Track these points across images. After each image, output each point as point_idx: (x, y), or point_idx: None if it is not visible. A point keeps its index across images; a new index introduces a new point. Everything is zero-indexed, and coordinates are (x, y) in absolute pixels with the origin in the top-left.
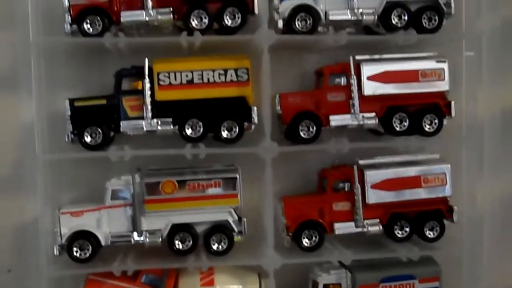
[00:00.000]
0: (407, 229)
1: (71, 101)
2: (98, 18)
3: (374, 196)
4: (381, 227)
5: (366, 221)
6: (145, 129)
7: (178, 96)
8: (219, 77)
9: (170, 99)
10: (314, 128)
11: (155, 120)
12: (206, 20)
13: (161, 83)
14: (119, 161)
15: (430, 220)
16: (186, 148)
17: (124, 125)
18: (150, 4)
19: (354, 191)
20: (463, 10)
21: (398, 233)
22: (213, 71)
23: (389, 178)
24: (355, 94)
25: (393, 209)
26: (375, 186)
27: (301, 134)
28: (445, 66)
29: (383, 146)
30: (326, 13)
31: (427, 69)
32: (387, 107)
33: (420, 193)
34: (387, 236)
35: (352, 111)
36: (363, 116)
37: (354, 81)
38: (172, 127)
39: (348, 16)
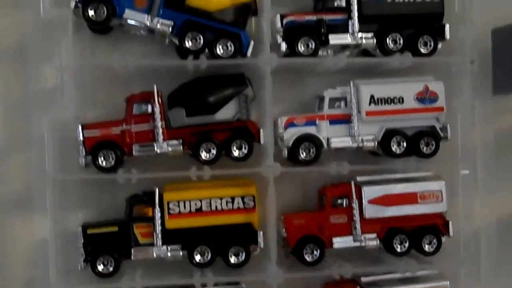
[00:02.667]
0: None
1: (84, 229)
2: (112, 152)
3: None
4: None
5: None
6: (155, 256)
7: (187, 224)
8: (227, 205)
9: (180, 227)
10: (318, 251)
11: (164, 247)
12: (214, 151)
13: (171, 211)
14: None
15: None
16: (194, 277)
17: (134, 252)
18: (161, 137)
19: None
20: (458, 133)
21: None
22: (221, 199)
23: None
24: (356, 217)
25: None
26: None
27: (306, 257)
28: (442, 187)
29: (385, 269)
30: (328, 140)
31: (426, 191)
32: (387, 229)
33: None
34: None
35: (354, 233)
36: (364, 238)
37: (355, 204)
38: (181, 253)
39: (349, 143)
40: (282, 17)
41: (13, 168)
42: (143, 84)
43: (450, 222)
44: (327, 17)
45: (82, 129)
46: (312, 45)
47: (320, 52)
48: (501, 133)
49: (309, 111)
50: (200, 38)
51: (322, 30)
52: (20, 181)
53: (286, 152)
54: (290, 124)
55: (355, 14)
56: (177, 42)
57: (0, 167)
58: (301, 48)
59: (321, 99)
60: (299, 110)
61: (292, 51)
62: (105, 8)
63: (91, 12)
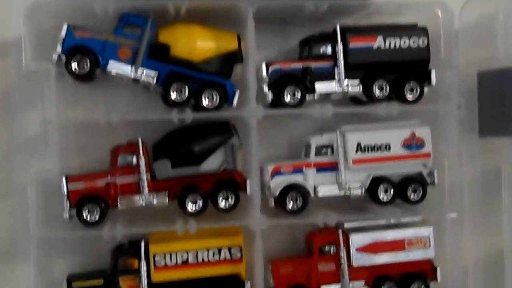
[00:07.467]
0: None
1: (69, 282)
2: (96, 206)
3: None
4: None
5: None
6: None
7: (174, 277)
8: (213, 256)
9: (166, 280)
10: None
11: None
12: (200, 203)
13: (157, 264)
14: None
15: None
16: None
17: None
18: (146, 190)
19: None
20: (445, 178)
21: None
22: (208, 250)
23: None
24: (344, 265)
25: None
26: None
27: None
28: (430, 232)
29: None
30: (315, 189)
31: (413, 238)
32: (375, 276)
33: None
34: None
35: (342, 281)
36: (352, 285)
37: (343, 252)
38: None
39: (336, 191)
40: (267, 65)
41: None
42: (128, 133)
43: (438, 269)
44: (313, 64)
45: (67, 181)
46: (298, 94)
47: (307, 97)
48: (488, 174)
49: (297, 155)
50: (185, 89)
51: (308, 78)
52: (2, 232)
53: (273, 201)
54: (276, 173)
55: (341, 61)
56: (161, 91)
57: None
58: (287, 97)
59: (308, 146)
60: (286, 154)
61: (278, 99)
62: (88, 60)
63: (74, 65)
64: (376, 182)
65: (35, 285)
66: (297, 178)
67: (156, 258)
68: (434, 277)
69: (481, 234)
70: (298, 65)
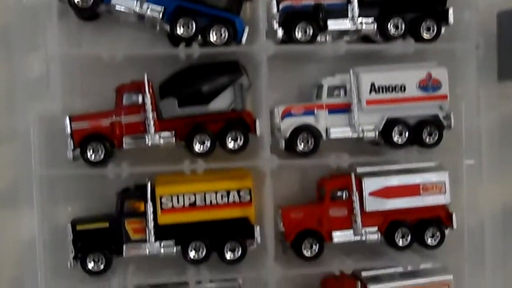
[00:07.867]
0: None
1: (73, 225)
2: (101, 145)
3: None
4: None
5: None
6: (147, 253)
7: (181, 219)
8: (222, 199)
9: (173, 222)
10: (317, 245)
11: (157, 243)
12: (208, 143)
13: (164, 206)
14: None
15: None
16: (189, 274)
17: (126, 249)
18: (152, 129)
19: None
20: (462, 122)
21: None
22: (216, 193)
23: None
24: (357, 210)
25: None
26: None
27: (305, 252)
28: (445, 178)
29: (387, 264)
30: (327, 130)
31: (428, 183)
32: (389, 222)
33: None
34: None
35: (355, 226)
36: (365, 231)
37: (356, 197)
38: (175, 250)
39: (349, 133)
40: (278, 2)
41: None
42: (133, 73)
43: (454, 214)
44: (325, 1)
45: (70, 121)
46: (310, 31)
47: (318, 38)
48: (507, 120)
49: (307, 99)
50: (192, 25)
51: (320, 15)
52: (5, 175)
53: (283, 143)
54: (287, 114)
55: None
56: (168, 29)
57: None
58: (298, 34)
59: (320, 87)
60: (297, 97)
61: (289, 38)
62: None
63: None
64: (390, 124)
65: (39, 229)
66: (308, 120)
67: (163, 200)
68: (450, 224)
69: (499, 182)
70: (310, 1)
